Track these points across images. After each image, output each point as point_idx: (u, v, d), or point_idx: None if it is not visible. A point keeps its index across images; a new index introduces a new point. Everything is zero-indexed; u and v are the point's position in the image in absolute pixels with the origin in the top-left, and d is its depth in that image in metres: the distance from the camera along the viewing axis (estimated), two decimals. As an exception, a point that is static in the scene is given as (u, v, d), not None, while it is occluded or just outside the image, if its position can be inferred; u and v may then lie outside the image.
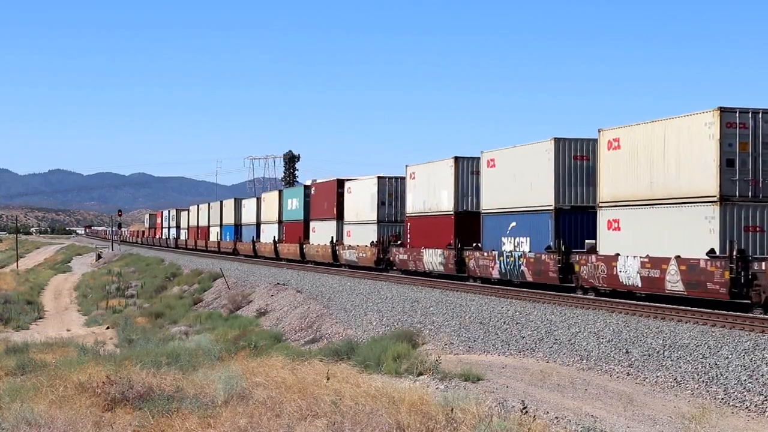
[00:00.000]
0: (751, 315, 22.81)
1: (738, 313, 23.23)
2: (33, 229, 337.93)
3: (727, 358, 18.90)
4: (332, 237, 54.32)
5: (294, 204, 63.92)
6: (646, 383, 19.00)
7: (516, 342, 24.30)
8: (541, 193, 32.84)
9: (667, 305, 25.87)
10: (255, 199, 77.90)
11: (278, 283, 45.88)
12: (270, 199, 71.95)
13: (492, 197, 36.50)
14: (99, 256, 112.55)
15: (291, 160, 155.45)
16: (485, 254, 36.32)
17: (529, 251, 33.21)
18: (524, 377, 19.33)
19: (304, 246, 59.95)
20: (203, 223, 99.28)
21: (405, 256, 44.15)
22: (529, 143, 34.72)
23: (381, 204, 48.20)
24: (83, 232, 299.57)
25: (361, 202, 50.44)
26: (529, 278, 32.97)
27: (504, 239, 35.17)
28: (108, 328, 44.26)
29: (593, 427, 14.17)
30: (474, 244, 37.59)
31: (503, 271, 34.75)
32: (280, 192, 70.23)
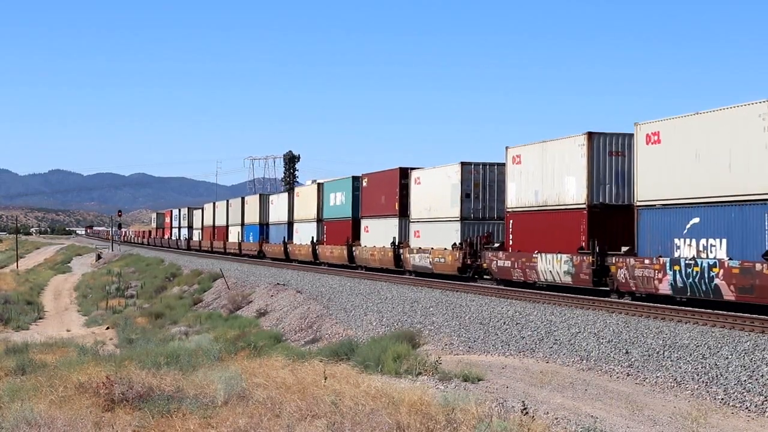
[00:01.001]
0: (750, 315, 22.77)
1: (738, 314, 23.21)
2: (33, 230, 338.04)
3: (727, 358, 18.90)
4: (394, 238, 45.64)
5: (338, 199, 54.53)
6: (646, 383, 18.99)
7: (516, 342, 24.30)
8: (752, 176, 23.60)
9: (667, 305, 25.86)
10: (286, 194, 68.72)
11: (278, 284, 45.88)
12: (306, 193, 62.12)
13: (657, 184, 27.31)
14: (99, 257, 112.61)
15: (291, 160, 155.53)
16: (647, 262, 27.20)
17: (729, 258, 24.11)
18: (524, 377, 19.33)
19: (354, 249, 50.75)
20: (221, 222, 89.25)
21: (506, 263, 35.03)
22: (731, 106, 24.83)
23: (465, 197, 39.33)
24: (84, 232, 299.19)
25: (436, 194, 41.53)
26: (730, 296, 23.98)
27: (679, 241, 26.23)
28: (108, 328, 44.30)
29: (593, 428, 14.17)
30: (623, 249, 28.89)
31: (680, 285, 25.63)
32: (320, 185, 58.99)
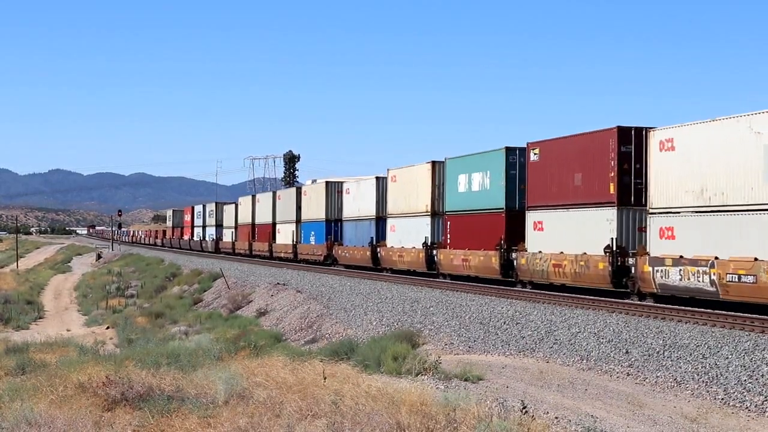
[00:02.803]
0: (750, 315, 22.76)
1: (738, 314, 23.20)
2: (33, 229, 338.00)
3: (727, 358, 18.89)
4: (612, 239, 28.60)
5: (477, 182, 37.38)
6: (646, 383, 18.99)
7: (516, 342, 24.29)
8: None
9: (666, 305, 25.84)
10: (372, 181, 48.99)
11: (278, 283, 45.85)
12: (408, 177, 43.39)
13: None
14: (99, 256, 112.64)
15: (291, 160, 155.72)
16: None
17: None
18: (524, 377, 19.32)
19: (518, 257, 33.72)
20: (264, 218, 71.30)
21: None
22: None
23: None
24: (86, 232, 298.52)
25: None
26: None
27: None
28: (108, 327, 44.28)
29: (593, 427, 14.17)
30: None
31: None
32: (436, 164, 41.13)
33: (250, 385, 16.23)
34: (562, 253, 30.74)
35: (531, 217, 33.17)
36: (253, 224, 75.12)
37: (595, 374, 20.24)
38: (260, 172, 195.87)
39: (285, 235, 64.83)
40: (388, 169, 45.98)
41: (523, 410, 13.73)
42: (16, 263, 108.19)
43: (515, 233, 34.08)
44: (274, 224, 68.22)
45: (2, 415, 14.85)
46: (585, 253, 29.53)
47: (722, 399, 17.12)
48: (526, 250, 33.08)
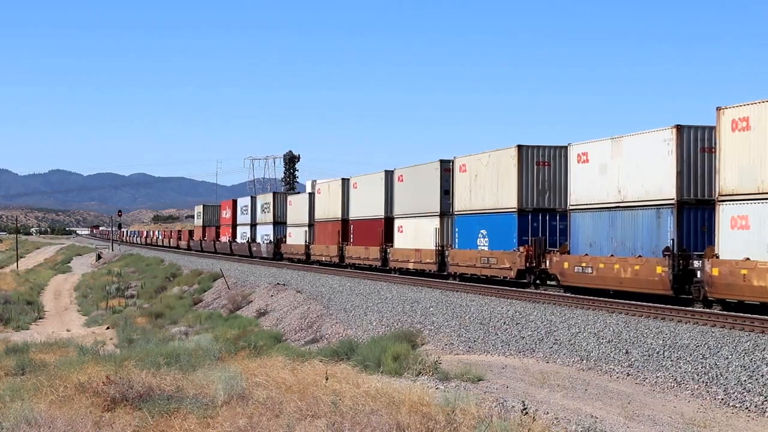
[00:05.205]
0: (750, 315, 22.75)
1: (738, 314, 23.20)
2: (33, 230, 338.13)
3: (727, 358, 18.89)
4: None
5: None
6: (646, 384, 18.99)
7: (516, 342, 24.29)
8: None
9: (666, 305, 25.83)
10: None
11: (278, 284, 45.86)
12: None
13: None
14: (99, 257, 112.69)
15: (291, 160, 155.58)
16: None
17: None
18: (524, 377, 19.32)
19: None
20: (364, 211, 50.83)
21: None
22: None
23: None
24: (89, 232, 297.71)
25: None
26: None
27: None
28: (108, 328, 44.28)
29: (593, 428, 14.16)
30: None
31: None
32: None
33: (249, 386, 16.22)
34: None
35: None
36: (343, 220, 54.01)
37: (595, 374, 20.24)
38: (260, 173, 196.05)
39: (414, 234, 43.84)
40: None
41: (524, 411, 13.72)
42: (16, 263, 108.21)
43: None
44: (389, 219, 47.61)
45: (2, 416, 14.84)
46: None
47: (722, 399, 17.12)
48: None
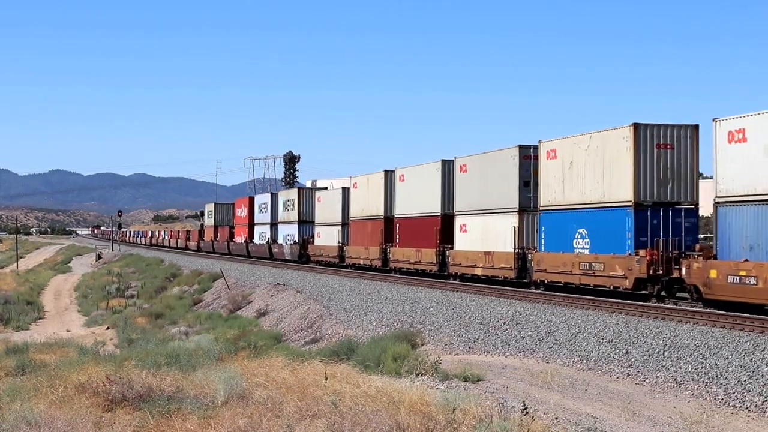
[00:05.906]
0: (750, 315, 22.74)
1: (738, 314, 23.18)
2: (33, 230, 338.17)
3: (727, 358, 18.89)
4: None
5: None
6: (646, 384, 18.99)
7: (516, 342, 24.29)
8: None
9: (666, 305, 25.81)
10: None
11: (278, 284, 45.85)
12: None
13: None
14: (99, 257, 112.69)
15: (291, 160, 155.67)
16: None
17: None
18: (524, 378, 19.32)
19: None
20: (418, 208, 43.82)
21: None
22: None
23: None
24: (90, 232, 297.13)
25: None
26: None
27: None
28: (108, 328, 44.28)
29: (593, 428, 14.17)
30: None
31: None
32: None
33: (249, 386, 16.22)
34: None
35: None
36: (387, 217, 47.39)
37: (595, 374, 20.24)
38: (260, 173, 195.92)
39: (487, 235, 37.35)
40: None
41: (524, 411, 13.72)
42: (16, 264, 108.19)
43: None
44: (447, 216, 41.06)
45: (2, 416, 14.84)
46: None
47: (722, 399, 17.12)
48: None
